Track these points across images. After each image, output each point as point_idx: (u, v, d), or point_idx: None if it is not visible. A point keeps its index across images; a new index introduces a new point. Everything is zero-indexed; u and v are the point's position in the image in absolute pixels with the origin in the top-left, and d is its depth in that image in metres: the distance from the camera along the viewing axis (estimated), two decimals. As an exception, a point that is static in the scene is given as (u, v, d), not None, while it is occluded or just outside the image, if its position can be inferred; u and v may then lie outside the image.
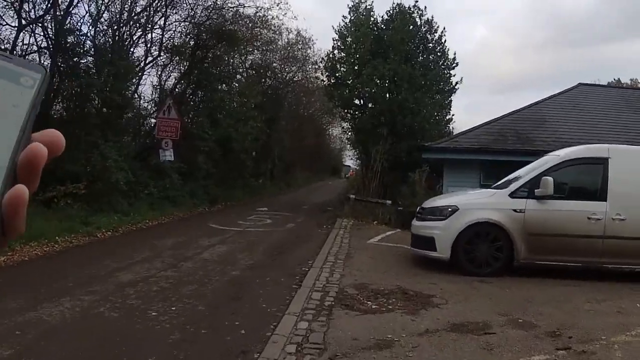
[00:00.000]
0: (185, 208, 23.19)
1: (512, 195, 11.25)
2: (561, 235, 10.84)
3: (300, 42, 43.21)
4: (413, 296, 9.09)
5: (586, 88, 26.25)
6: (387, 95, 26.70)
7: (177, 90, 28.20)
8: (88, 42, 22.47)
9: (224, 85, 30.95)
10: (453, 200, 12.01)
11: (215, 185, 28.74)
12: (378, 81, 26.25)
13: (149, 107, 27.96)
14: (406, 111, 25.83)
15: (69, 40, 20.73)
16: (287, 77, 45.77)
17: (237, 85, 33.63)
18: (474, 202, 11.74)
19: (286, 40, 41.64)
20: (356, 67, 26.95)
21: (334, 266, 11.62)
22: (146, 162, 23.70)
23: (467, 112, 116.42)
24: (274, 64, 42.38)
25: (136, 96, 25.99)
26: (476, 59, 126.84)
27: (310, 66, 43.62)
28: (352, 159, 76.01)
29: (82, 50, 21.64)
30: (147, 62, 25.82)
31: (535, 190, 11.02)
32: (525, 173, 11.97)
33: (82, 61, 21.74)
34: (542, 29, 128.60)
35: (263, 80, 40.72)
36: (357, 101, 28.55)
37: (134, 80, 24.51)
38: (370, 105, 27.58)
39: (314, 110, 62.24)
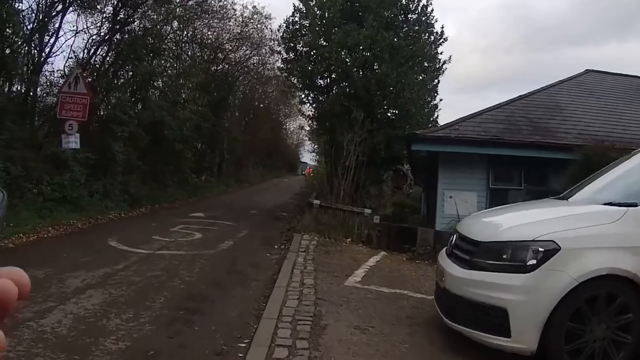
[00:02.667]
0: (91, 213, 17.09)
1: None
2: None
3: (257, 20, 37.58)
4: None
5: (595, 75, 21.76)
6: (363, 70, 21.03)
7: (93, 59, 22.00)
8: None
9: (156, 58, 24.78)
10: (541, 231, 5.66)
11: (142, 183, 22.78)
12: (351, 51, 20.46)
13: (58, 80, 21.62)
14: (387, 90, 20.25)
15: None
16: (240, 59, 40.03)
17: (176, 61, 27.33)
18: (584, 234, 5.62)
19: (240, 17, 36.33)
20: (322, 35, 21.10)
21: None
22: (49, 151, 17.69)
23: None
24: (225, 44, 36.65)
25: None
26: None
27: (266, 49, 38.23)
28: (312, 153, 72.61)
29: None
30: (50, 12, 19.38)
31: None
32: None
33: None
34: (511, 30, 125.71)
35: (211, 56, 34.69)
36: (322, 81, 22.73)
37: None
38: (341, 83, 21.74)
39: (269, 102, 57.93)
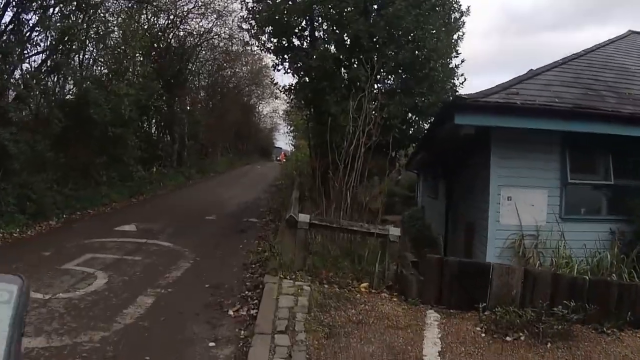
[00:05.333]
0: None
1: None
2: None
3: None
4: None
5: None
6: (365, 12, 14.86)
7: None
8: None
9: (83, 11, 18.32)
10: None
11: (56, 183, 16.57)
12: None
13: None
14: (401, 40, 14.36)
15: None
16: (202, 30, 34.13)
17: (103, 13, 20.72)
18: None
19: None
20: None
21: None
22: None
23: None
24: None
25: None
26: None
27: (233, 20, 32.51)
28: (288, 136, 67.29)
29: None
30: None
31: None
32: None
33: None
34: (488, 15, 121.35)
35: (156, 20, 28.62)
36: (302, 32, 16.53)
37: None
38: (333, 28, 15.42)
39: (239, 82, 52.67)
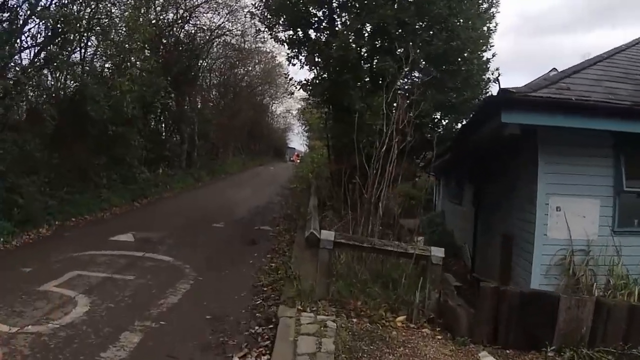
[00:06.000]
0: None
1: None
2: None
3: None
4: None
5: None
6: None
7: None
8: None
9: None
10: None
11: (49, 187, 15.06)
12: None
13: None
14: (434, 27, 12.78)
15: None
16: (212, 26, 32.63)
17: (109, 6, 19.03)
18: None
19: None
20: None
21: None
22: None
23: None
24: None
25: None
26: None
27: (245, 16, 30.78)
28: (303, 136, 65.80)
29: None
30: None
31: None
32: None
33: None
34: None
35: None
36: (318, 11, 14.95)
37: None
38: (356, 13, 13.72)
39: (251, 80, 51.44)
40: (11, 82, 13.31)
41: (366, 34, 13.60)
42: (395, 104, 10.10)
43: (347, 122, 13.10)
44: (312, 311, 7.28)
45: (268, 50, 40.49)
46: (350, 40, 13.07)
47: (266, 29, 17.02)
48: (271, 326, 7.13)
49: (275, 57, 43.50)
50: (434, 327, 7.15)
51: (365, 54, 13.49)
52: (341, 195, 12.27)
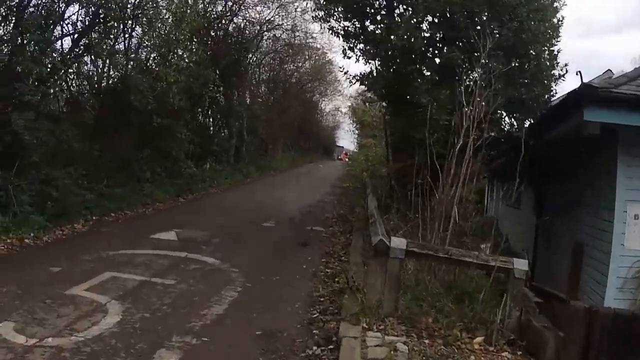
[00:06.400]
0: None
1: None
2: None
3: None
4: None
5: None
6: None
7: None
8: None
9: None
10: None
11: (87, 180, 14.13)
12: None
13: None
14: (505, 16, 11.42)
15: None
16: (261, 19, 31.91)
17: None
18: None
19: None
20: None
21: None
22: None
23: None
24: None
25: None
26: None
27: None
28: (353, 133, 64.92)
29: None
30: None
31: None
32: None
33: None
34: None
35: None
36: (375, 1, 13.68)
37: None
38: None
39: (301, 76, 50.49)
40: (47, 69, 12.37)
41: (429, 24, 12.28)
42: (465, 98, 8.78)
43: (409, 116, 11.97)
44: (379, 330, 6.01)
45: (319, 46, 40.00)
46: (415, 29, 11.74)
47: (321, 19, 15.77)
48: (331, 347, 5.91)
49: (326, 53, 42.94)
50: (515, 349, 5.92)
51: (431, 44, 12.12)
52: (402, 196, 11.07)
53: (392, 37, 12.21)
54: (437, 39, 12.00)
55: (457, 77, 11.15)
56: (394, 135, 13.70)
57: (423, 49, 11.72)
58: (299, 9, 31.55)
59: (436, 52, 12.10)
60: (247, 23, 30.90)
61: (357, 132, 61.23)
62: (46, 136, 12.15)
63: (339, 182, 32.52)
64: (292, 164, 48.08)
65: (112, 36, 15.81)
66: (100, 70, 16.41)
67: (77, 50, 14.82)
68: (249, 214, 16.29)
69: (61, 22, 14.26)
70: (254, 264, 9.98)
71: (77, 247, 10.33)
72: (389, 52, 12.80)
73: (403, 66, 12.40)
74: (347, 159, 71.06)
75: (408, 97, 12.04)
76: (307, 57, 44.97)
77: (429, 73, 11.82)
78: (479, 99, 8.59)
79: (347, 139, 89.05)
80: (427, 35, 11.70)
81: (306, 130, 61.49)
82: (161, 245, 10.98)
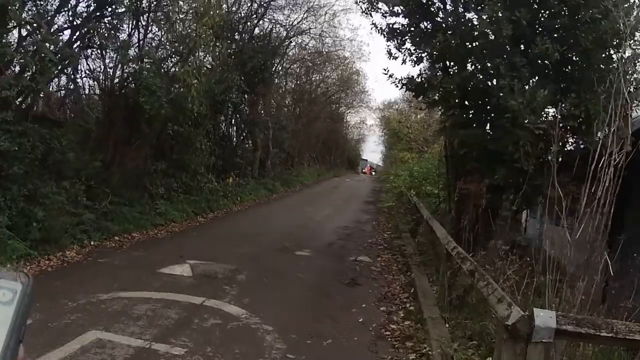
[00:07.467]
0: None
1: None
2: None
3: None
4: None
5: None
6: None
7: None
8: None
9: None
10: None
11: (86, 196, 11.71)
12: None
13: None
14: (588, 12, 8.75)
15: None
16: (290, 22, 30.19)
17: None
18: None
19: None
20: None
21: None
22: None
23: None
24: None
25: None
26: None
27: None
28: (379, 145, 62.78)
29: None
30: None
31: None
32: None
33: None
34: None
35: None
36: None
37: None
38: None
39: (328, 87, 48.65)
40: (35, 59, 9.99)
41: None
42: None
43: (484, 124, 9.51)
44: None
45: (347, 54, 38.88)
46: (500, 15, 9.10)
47: (365, 12, 13.12)
48: None
49: (353, 62, 41.97)
50: None
51: (518, 34, 9.54)
52: (483, 228, 8.65)
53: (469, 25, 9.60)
54: (534, 29, 9.39)
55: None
56: (461, 147, 11.11)
57: (511, 39, 9.11)
58: (329, 13, 30.23)
59: (524, 44, 9.53)
60: (274, 26, 28.86)
61: (386, 144, 59.42)
62: (33, 142, 9.77)
63: (370, 198, 30.18)
64: (318, 178, 45.60)
65: (119, 26, 13.41)
66: (105, 68, 14.00)
67: (76, 41, 12.44)
68: (278, 239, 13.66)
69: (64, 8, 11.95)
70: (294, 317, 7.39)
71: (62, 286, 7.83)
72: (458, 49, 10.17)
73: (485, 60, 9.82)
74: (371, 173, 68.83)
75: (491, 98, 9.44)
76: (334, 66, 43.06)
77: (521, 70, 9.23)
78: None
79: (372, 151, 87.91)
80: (514, 18, 9.08)
81: (332, 143, 59.20)
82: (172, 284, 8.45)
